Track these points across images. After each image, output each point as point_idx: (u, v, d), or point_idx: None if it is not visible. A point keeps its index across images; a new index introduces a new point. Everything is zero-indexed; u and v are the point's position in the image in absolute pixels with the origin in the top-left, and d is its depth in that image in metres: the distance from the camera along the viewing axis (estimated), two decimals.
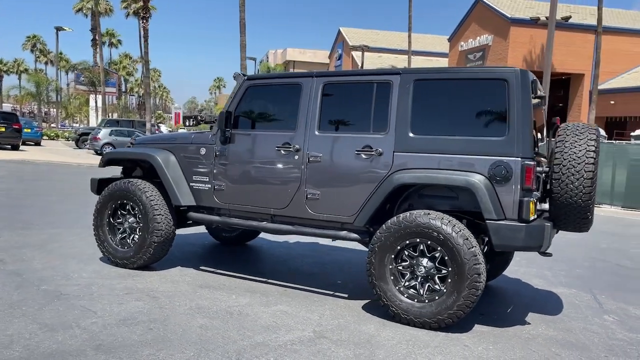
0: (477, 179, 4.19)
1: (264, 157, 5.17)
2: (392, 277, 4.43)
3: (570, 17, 27.78)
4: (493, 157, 4.20)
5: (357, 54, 39.97)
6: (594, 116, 25.76)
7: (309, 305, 4.80)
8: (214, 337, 3.93)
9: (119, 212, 5.78)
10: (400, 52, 41.38)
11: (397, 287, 4.42)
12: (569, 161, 4.30)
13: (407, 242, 4.35)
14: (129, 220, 5.70)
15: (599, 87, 31.21)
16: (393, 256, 4.42)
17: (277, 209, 5.09)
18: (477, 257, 4.13)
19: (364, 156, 4.65)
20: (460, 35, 34.54)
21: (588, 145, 4.31)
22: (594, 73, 25.56)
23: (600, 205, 14.77)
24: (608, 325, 4.74)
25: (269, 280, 5.52)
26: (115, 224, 5.80)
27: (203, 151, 5.48)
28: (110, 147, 23.15)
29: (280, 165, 5.05)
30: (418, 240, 4.31)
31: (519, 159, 4.14)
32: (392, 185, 4.46)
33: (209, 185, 5.42)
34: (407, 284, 4.43)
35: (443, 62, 39.68)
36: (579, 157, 4.29)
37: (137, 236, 5.62)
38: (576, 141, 4.35)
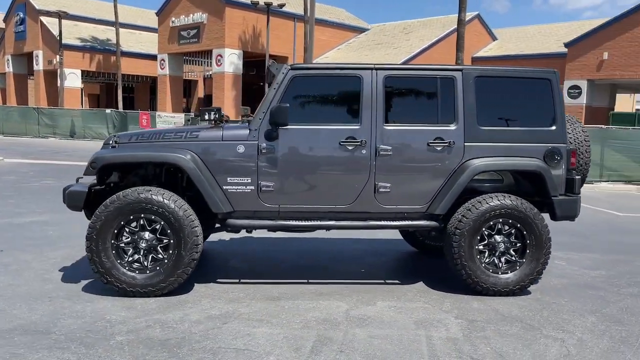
0: (543, 164, 4.98)
1: (324, 152, 4.89)
2: (478, 257, 4.91)
3: (284, 4, 30.39)
4: (547, 144, 5.04)
5: (49, 20, 35.20)
6: None
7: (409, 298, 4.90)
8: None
9: (125, 230, 4.63)
10: (102, 23, 38.15)
11: (483, 265, 4.92)
12: (575, 145, 5.45)
13: (491, 223, 4.88)
14: (145, 237, 4.62)
15: None
16: (479, 238, 4.90)
17: (342, 206, 4.92)
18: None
19: (437, 147, 4.92)
20: (169, 10, 33.85)
21: (583, 132, 5.54)
22: (305, 56, 28.46)
23: None
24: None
25: (346, 281, 5.29)
26: (122, 244, 4.62)
27: (241, 149, 4.80)
28: None
29: (345, 160, 4.88)
30: (511, 221, 4.89)
31: (565, 145, 5.10)
32: (472, 172, 4.89)
33: (252, 187, 4.81)
34: (487, 260, 4.96)
35: (151, 37, 38.33)
36: (580, 142, 5.48)
37: (162, 255, 4.63)
38: (575, 129, 5.52)
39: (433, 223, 4.99)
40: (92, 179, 5.31)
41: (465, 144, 4.94)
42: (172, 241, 4.62)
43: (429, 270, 5.86)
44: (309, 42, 28.77)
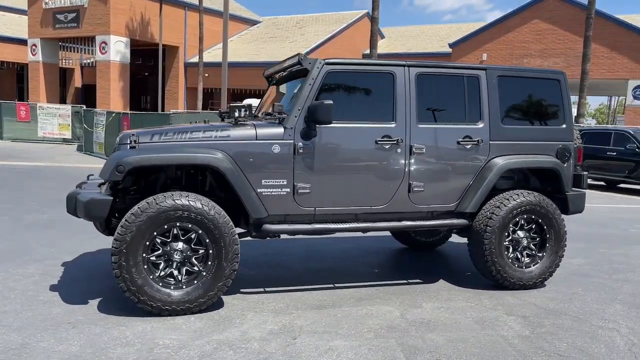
0: (558, 161, 5.21)
1: (361, 151, 4.70)
2: (505, 253, 5.02)
3: None
4: (559, 142, 5.29)
5: None
6: (202, 87, 27.99)
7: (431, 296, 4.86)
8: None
9: (156, 241, 4.10)
10: None
11: (509, 260, 5.04)
12: None
13: (517, 219, 5.01)
14: (179, 249, 4.13)
15: (190, 60, 33.85)
16: (506, 234, 5.01)
17: (378, 207, 4.77)
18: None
19: (466, 146, 4.95)
20: None
21: (577, 131, 5.89)
22: (200, 47, 27.42)
23: None
24: None
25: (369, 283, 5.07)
26: (152, 257, 4.09)
27: (276, 149, 4.46)
28: None
29: (381, 159, 4.74)
30: (533, 217, 5.04)
31: (573, 142, 5.38)
32: (500, 170, 4.98)
33: (288, 189, 4.50)
34: (511, 255, 5.10)
35: (20, 20, 34.60)
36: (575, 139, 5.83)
37: (198, 267, 4.18)
38: None
39: (463, 221, 5.01)
40: (95, 184, 4.69)
41: (491, 142, 5.03)
42: (211, 251, 4.17)
43: (434, 267, 5.92)
44: (201, 31, 27.81)
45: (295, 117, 4.52)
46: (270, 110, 5.03)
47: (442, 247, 6.78)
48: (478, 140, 4.97)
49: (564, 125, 5.33)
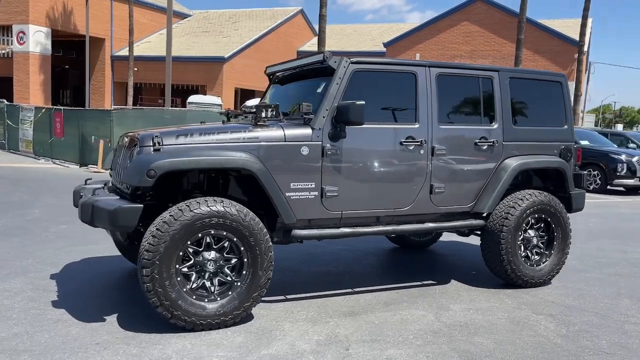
0: (564, 161, 5.36)
1: (387, 153, 4.60)
2: (519, 251, 5.10)
3: None
4: (562, 143, 5.44)
5: None
6: (132, 81, 26.76)
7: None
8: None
9: (188, 251, 3.81)
10: None
11: (522, 259, 5.13)
12: None
13: (529, 219, 5.10)
14: (211, 258, 3.86)
15: (117, 53, 32.33)
16: (519, 233, 5.09)
17: (402, 209, 4.69)
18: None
19: (482, 146, 4.98)
20: None
21: None
22: (130, 40, 26.23)
23: None
24: None
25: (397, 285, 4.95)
26: (184, 268, 3.80)
27: (305, 151, 4.27)
28: None
29: (406, 161, 4.66)
30: (543, 216, 5.15)
31: (573, 143, 5.56)
32: (515, 171, 5.04)
33: (316, 193, 4.32)
34: (523, 254, 5.18)
35: None
36: None
37: (232, 277, 3.92)
38: None
39: (480, 222, 5.04)
40: (96, 187, 4.35)
41: (504, 143, 5.08)
42: (246, 260, 3.92)
43: (437, 267, 5.94)
44: (130, 22, 26.74)
45: (324, 117, 4.34)
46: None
47: (432, 246, 6.82)
48: (493, 141, 5.01)
49: (565, 126, 5.49)
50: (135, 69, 30.55)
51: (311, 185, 4.30)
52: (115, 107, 16.55)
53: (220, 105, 18.65)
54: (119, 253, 5.35)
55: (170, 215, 3.71)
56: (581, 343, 3.89)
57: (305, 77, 5.07)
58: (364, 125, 4.39)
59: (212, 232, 3.82)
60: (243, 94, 31.93)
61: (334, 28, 37.35)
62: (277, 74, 5.54)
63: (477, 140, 4.95)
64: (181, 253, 3.75)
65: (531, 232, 5.20)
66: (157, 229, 3.68)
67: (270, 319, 4.12)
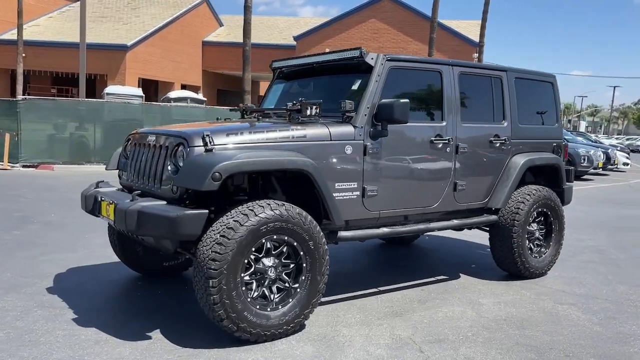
0: (559, 157, 5.68)
1: (420, 151, 4.59)
2: (526, 244, 5.33)
3: None
4: (554, 140, 5.76)
5: None
6: (22, 68, 24.42)
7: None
8: None
9: (250, 258, 3.56)
10: None
11: (529, 251, 5.37)
12: None
13: (535, 212, 5.34)
14: (270, 264, 3.64)
15: (2, 37, 29.43)
16: (527, 226, 5.31)
17: (431, 206, 4.72)
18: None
19: (496, 144, 5.13)
20: None
21: None
22: (19, 22, 23.86)
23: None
24: None
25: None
26: (246, 277, 3.54)
27: (349, 150, 4.14)
28: None
29: (435, 159, 4.70)
30: (545, 209, 5.42)
31: (563, 140, 5.91)
32: (524, 167, 5.25)
33: (358, 192, 4.21)
34: (529, 246, 5.41)
35: None
36: None
37: (289, 283, 3.72)
38: None
39: (495, 217, 5.19)
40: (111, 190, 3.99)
41: (512, 140, 5.28)
42: (304, 264, 3.73)
43: (437, 262, 6.05)
44: (20, 4, 24.44)
45: (365, 115, 4.24)
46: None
47: (416, 241, 6.93)
48: (505, 139, 5.19)
49: (556, 125, 5.82)
50: (24, 54, 27.98)
51: (354, 185, 4.18)
52: (23, 97, 14.93)
53: (141, 96, 17.56)
54: (101, 261, 4.90)
55: (234, 221, 3.43)
56: (618, 329, 4.14)
57: (324, 73, 4.91)
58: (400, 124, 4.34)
59: (275, 237, 3.59)
60: (146, 84, 30.38)
61: (238, 19, 36.63)
62: (284, 68, 5.31)
63: (492, 138, 5.09)
64: (246, 261, 3.48)
65: (534, 226, 5.45)
66: (222, 235, 3.38)
67: (323, 325, 3.96)
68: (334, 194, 4.05)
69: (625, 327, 4.19)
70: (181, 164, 3.62)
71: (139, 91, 18.50)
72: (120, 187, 4.37)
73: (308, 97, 4.87)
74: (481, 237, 6.27)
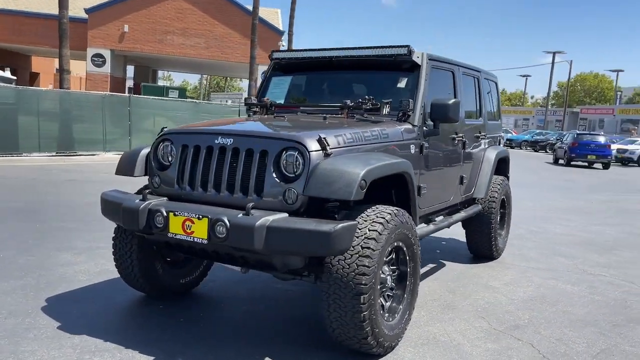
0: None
1: (448, 148, 4.84)
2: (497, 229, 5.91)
3: None
4: (498, 134, 6.45)
5: None
6: None
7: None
8: None
9: None
10: None
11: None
12: None
13: (501, 198, 5.95)
14: (388, 272, 3.51)
15: None
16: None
17: (448, 201, 4.99)
18: None
19: (479, 139, 5.58)
20: None
21: None
22: None
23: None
24: None
25: None
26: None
27: (412, 148, 4.15)
28: None
29: (455, 154, 4.99)
30: (504, 197, 6.06)
31: (501, 134, 6.64)
32: (497, 159, 5.78)
33: (415, 191, 4.25)
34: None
35: None
36: None
37: (397, 290, 3.62)
38: None
39: (480, 206, 5.63)
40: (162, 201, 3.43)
41: (486, 135, 5.79)
42: (409, 270, 3.64)
43: None
44: None
45: (421, 114, 4.26)
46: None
47: None
48: (485, 134, 5.67)
49: (499, 121, 6.52)
50: None
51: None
52: None
53: (13, 79, 14.10)
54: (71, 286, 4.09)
55: (373, 230, 3.19)
56: (610, 296, 4.93)
57: (345, 68, 4.70)
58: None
59: (396, 244, 3.43)
60: None
61: None
62: (284, 60, 4.92)
63: (477, 133, 5.52)
64: (380, 271, 3.28)
65: (501, 211, 6.07)
66: (367, 247, 3.12)
67: (415, 326, 3.92)
68: None
69: (617, 294, 5.00)
70: (292, 171, 3.21)
71: (7, 73, 14.85)
72: (163, 196, 3.62)
73: (325, 93, 4.70)
74: None
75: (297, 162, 3.21)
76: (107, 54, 27.96)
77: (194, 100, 25.28)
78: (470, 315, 4.23)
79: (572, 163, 23.97)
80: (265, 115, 4.51)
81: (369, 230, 3.18)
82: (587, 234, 7.92)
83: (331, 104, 4.33)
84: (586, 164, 24.13)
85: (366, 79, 4.69)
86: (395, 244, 3.42)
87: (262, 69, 30.13)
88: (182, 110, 18.05)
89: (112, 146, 16.10)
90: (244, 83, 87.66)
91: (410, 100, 4.16)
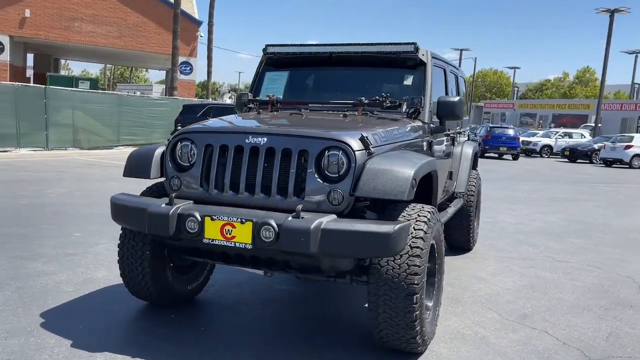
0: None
1: (445, 145, 4.92)
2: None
3: None
4: (467, 130, 6.68)
5: None
6: None
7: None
8: None
9: None
10: None
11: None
12: None
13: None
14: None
15: None
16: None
17: (444, 197, 5.08)
18: None
19: (457, 136, 5.72)
20: None
21: None
22: None
23: None
24: None
25: None
26: None
27: (425, 145, 4.20)
28: None
29: (448, 151, 5.07)
30: (479, 190, 6.28)
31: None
32: (473, 155, 5.97)
33: None
34: None
35: None
36: None
37: (430, 288, 3.62)
38: None
39: (462, 200, 5.79)
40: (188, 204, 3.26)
41: (462, 131, 5.97)
42: (436, 266, 3.67)
43: None
44: None
45: (430, 112, 4.30)
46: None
47: None
48: (462, 131, 5.83)
49: (467, 117, 6.73)
50: None
51: None
52: None
53: None
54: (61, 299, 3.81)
55: (420, 230, 3.17)
56: (596, 275, 5.27)
57: (344, 64, 4.64)
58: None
59: (432, 242, 3.44)
60: None
61: None
62: (278, 55, 4.76)
63: (458, 129, 5.67)
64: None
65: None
66: (416, 246, 3.11)
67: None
68: None
69: (591, 279, 5.35)
70: (336, 171, 3.13)
71: None
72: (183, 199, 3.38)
73: (326, 90, 4.63)
74: None
75: (342, 162, 3.12)
76: (5, 40, 25.83)
77: (116, 92, 23.77)
78: (479, 308, 4.34)
79: (485, 155, 25.31)
80: (276, 113, 4.33)
81: (415, 229, 3.16)
82: (535, 222, 8.42)
83: (343, 102, 4.24)
84: (497, 155, 25.62)
85: (367, 76, 4.65)
86: (432, 241, 3.43)
87: (181, 59, 29.30)
88: (103, 103, 17.06)
89: (27, 141, 14.92)
90: (150, 74, 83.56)
91: (422, 97, 4.18)
